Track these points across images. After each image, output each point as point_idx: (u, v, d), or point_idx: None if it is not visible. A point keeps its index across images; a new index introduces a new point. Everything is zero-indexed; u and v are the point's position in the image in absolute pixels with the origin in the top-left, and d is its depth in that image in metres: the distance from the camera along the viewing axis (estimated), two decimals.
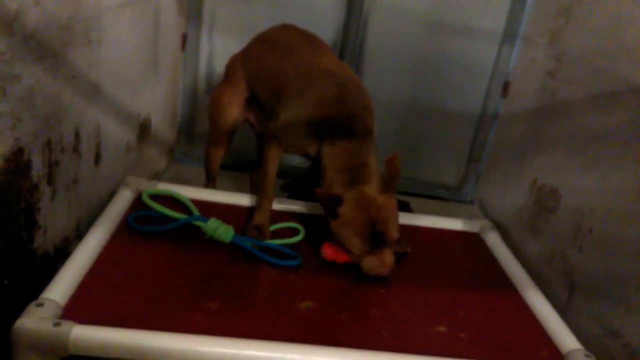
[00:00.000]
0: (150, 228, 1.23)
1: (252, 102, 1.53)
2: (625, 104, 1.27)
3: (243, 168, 1.98)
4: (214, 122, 1.56)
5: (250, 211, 1.40)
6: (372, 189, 1.19)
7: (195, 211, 1.33)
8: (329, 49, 1.49)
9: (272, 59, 1.44)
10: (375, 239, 1.17)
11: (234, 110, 1.53)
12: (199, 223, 1.25)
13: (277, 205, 1.47)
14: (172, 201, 1.38)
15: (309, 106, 1.29)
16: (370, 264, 1.18)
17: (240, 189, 1.49)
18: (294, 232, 1.36)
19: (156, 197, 1.38)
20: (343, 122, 1.26)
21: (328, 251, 1.25)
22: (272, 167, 1.35)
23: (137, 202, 1.34)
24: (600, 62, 1.40)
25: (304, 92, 1.31)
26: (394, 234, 1.19)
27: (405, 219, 1.54)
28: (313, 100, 1.29)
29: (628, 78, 1.28)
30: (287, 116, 1.31)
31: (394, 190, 1.21)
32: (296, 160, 1.71)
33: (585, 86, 1.46)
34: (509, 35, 1.97)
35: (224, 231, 1.23)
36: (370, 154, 1.25)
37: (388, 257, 1.19)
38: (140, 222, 1.24)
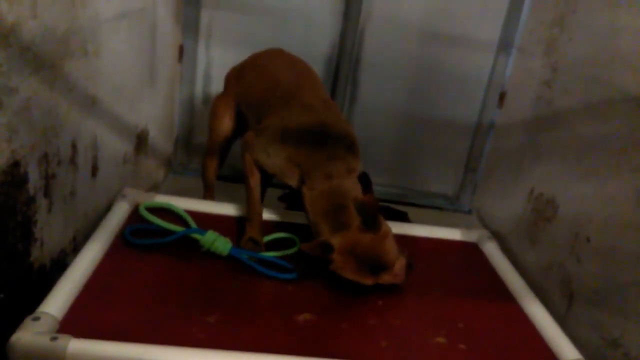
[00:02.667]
0: (148, 241, 1.22)
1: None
2: (621, 112, 1.28)
3: (241, 179, 1.97)
4: (210, 131, 1.58)
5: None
6: (355, 232, 1.15)
7: (193, 224, 1.32)
8: (317, 82, 1.48)
9: (258, 87, 1.45)
10: (376, 269, 1.17)
11: (227, 121, 1.54)
12: (196, 236, 1.25)
13: (273, 216, 1.47)
14: (169, 213, 1.37)
15: (288, 145, 1.28)
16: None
17: (238, 200, 1.48)
18: (289, 242, 1.36)
19: (153, 209, 1.37)
20: (322, 164, 1.24)
21: None
22: (254, 181, 1.34)
23: (134, 214, 1.33)
24: (596, 71, 1.41)
25: (283, 128, 1.30)
26: (391, 261, 1.19)
27: (403, 229, 1.54)
28: (293, 138, 1.28)
29: (623, 87, 1.28)
30: (266, 144, 1.30)
31: (379, 227, 1.17)
32: None
33: (581, 95, 1.46)
34: (504, 45, 1.98)
35: (221, 244, 1.23)
36: (351, 195, 1.20)
37: (396, 269, 1.20)
38: (138, 235, 1.23)
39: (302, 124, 1.30)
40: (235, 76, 1.55)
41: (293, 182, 1.28)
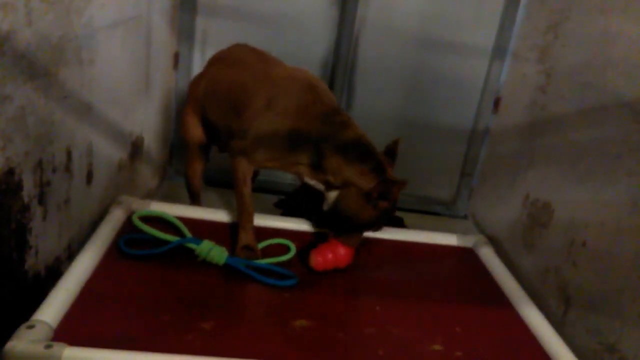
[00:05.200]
0: (142, 252, 1.21)
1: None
2: (616, 117, 1.28)
3: (230, 184, 1.98)
4: (184, 141, 1.59)
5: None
6: (390, 172, 1.26)
7: (187, 233, 1.32)
8: (279, 61, 1.48)
9: (226, 74, 1.45)
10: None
11: (197, 129, 1.55)
12: (191, 245, 1.24)
13: (269, 223, 1.47)
14: (163, 221, 1.37)
15: (289, 116, 1.27)
16: (352, 240, 1.30)
17: (228, 206, 1.48)
18: (284, 248, 1.35)
19: (147, 218, 1.36)
20: (334, 120, 1.27)
21: (319, 260, 1.27)
22: (247, 188, 1.33)
23: (129, 222, 1.33)
24: (590, 77, 1.42)
25: (275, 103, 1.29)
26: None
27: (399, 234, 1.54)
28: (292, 109, 1.28)
29: (617, 92, 1.29)
30: (262, 130, 1.28)
31: (392, 168, 1.29)
32: (289, 177, 1.72)
33: (576, 101, 1.47)
34: (499, 51, 1.99)
35: (217, 253, 1.22)
36: (369, 140, 1.28)
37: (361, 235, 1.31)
38: (132, 245, 1.23)
39: (292, 92, 1.30)
40: (197, 83, 1.55)
41: (304, 158, 1.28)
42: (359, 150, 1.25)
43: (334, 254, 1.28)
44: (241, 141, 1.31)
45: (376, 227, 1.29)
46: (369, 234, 1.32)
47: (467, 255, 1.52)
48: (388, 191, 1.22)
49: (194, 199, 1.65)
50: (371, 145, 1.27)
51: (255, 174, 1.62)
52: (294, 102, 1.28)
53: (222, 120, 1.44)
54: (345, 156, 1.23)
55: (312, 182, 1.31)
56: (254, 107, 1.31)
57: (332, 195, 1.27)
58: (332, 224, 1.31)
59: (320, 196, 1.33)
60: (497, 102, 2.04)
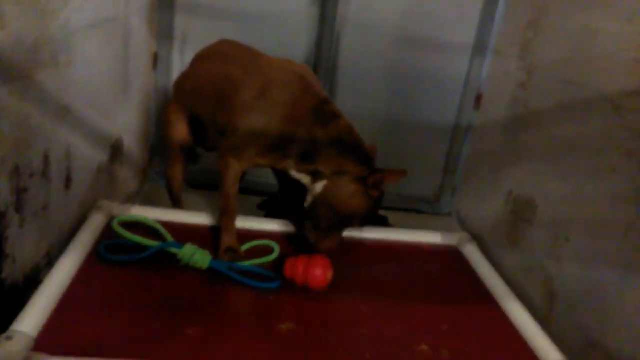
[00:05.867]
0: (123, 257, 1.19)
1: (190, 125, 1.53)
2: (597, 113, 1.29)
3: (213, 186, 1.96)
4: (166, 140, 1.56)
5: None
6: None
7: (169, 237, 1.30)
8: (264, 54, 1.46)
9: (212, 68, 1.43)
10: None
11: (181, 128, 1.52)
12: (174, 250, 1.22)
13: (253, 224, 1.46)
14: (144, 225, 1.34)
15: (280, 107, 1.26)
16: (329, 241, 1.28)
17: (211, 208, 1.46)
18: (268, 250, 1.34)
19: (127, 223, 1.34)
20: (324, 110, 1.28)
21: (287, 265, 1.24)
22: (234, 189, 1.32)
23: (110, 227, 1.30)
24: (571, 73, 1.42)
25: (265, 94, 1.27)
26: None
27: (383, 233, 1.54)
28: (283, 101, 1.26)
29: (598, 88, 1.29)
30: (252, 123, 1.26)
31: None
32: (273, 177, 1.70)
33: (557, 97, 1.48)
34: (479, 48, 1.99)
35: (200, 257, 1.21)
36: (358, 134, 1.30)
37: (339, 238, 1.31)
38: (113, 250, 1.20)
39: (283, 82, 1.30)
40: (182, 81, 1.53)
41: (294, 148, 1.27)
42: (348, 141, 1.27)
43: (305, 269, 1.21)
44: (231, 138, 1.29)
45: (362, 220, 1.29)
46: (350, 234, 1.32)
47: (451, 253, 1.52)
48: (381, 180, 1.24)
49: (175, 201, 1.63)
50: (359, 137, 1.29)
51: (243, 175, 1.60)
52: (286, 92, 1.27)
53: (209, 115, 1.41)
54: (337, 146, 1.26)
55: (298, 175, 1.30)
56: (243, 97, 1.28)
57: (319, 185, 1.26)
58: (314, 218, 1.28)
59: (303, 196, 1.32)
60: (478, 99, 2.04)
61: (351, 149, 1.26)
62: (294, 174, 1.31)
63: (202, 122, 1.46)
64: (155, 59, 1.95)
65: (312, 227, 1.29)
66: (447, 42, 2.01)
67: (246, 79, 1.30)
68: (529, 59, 1.66)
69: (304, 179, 1.30)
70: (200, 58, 1.52)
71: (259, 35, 1.93)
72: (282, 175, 1.45)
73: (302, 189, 1.33)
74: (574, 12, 1.45)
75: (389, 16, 1.97)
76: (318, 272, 1.21)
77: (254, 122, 1.26)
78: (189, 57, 1.95)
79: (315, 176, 1.28)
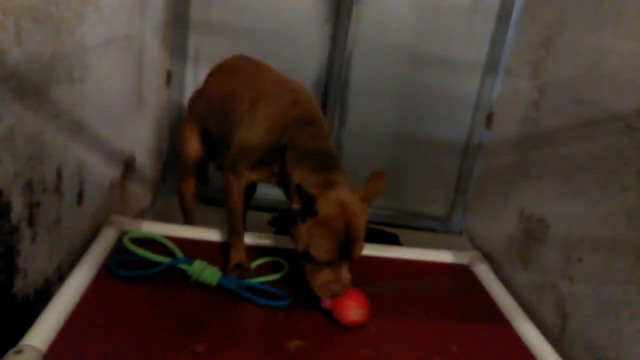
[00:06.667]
0: (134, 273, 1.19)
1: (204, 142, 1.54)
2: (609, 132, 1.28)
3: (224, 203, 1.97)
4: (181, 155, 1.58)
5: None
6: (346, 192, 1.11)
7: (179, 253, 1.30)
8: (274, 70, 1.45)
9: (219, 84, 1.44)
10: (344, 248, 1.08)
11: (194, 144, 1.53)
12: (184, 266, 1.22)
13: (263, 241, 1.46)
14: (155, 241, 1.35)
15: (265, 119, 1.24)
16: (326, 278, 1.10)
17: (222, 225, 1.46)
18: (277, 267, 1.34)
19: (138, 239, 1.34)
20: (304, 127, 1.20)
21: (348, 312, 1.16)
22: (239, 205, 1.30)
23: (121, 243, 1.31)
24: (583, 92, 1.42)
25: (255, 106, 1.26)
26: (361, 249, 1.11)
27: (394, 252, 1.53)
28: (268, 113, 1.24)
29: (610, 107, 1.29)
30: (242, 136, 1.25)
31: (369, 203, 1.15)
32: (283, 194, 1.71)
33: (569, 116, 1.47)
34: (491, 67, 2.00)
35: (210, 274, 1.21)
36: (337, 157, 1.18)
37: (345, 272, 1.11)
38: (124, 266, 1.21)
39: (273, 95, 1.27)
40: (196, 98, 1.55)
41: (277, 166, 1.22)
42: (314, 163, 1.14)
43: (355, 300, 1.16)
44: (228, 154, 1.29)
45: (318, 254, 1.08)
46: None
47: (462, 272, 1.51)
48: (310, 203, 1.06)
49: (187, 217, 1.64)
50: (333, 161, 1.16)
51: (252, 192, 1.60)
52: (273, 104, 1.25)
53: (217, 130, 1.42)
54: (299, 169, 1.15)
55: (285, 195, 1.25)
56: (238, 112, 1.29)
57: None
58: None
59: None
60: (489, 117, 2.04)
61: (311, 172, 1.14)
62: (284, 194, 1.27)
63: (212, 139, 1.47)
64: (169, 76, 1.97)
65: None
66: (459, 61, 2.02)
67: (244, 93, 1.31)
68: (540, 78, 1.66)
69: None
70: (212, 74, 1.54)
71: (271, 54, 1.94)
72: None
73: None
74: (586, 32, 1.45)
75: (401, 35, 1.98)
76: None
77: (242, 135, 1.25)
78: (202, 75, 1.97)
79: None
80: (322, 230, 1.07)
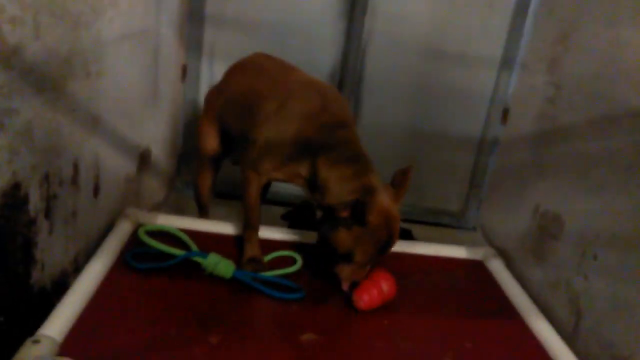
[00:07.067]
0: (149, 265, 1.21)
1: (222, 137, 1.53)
2: (626, 128, 1.27)
3: (239, 196, 1.98)
4: (198, 150, 1.57)
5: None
6: (386, 197, 1.16)
7: (194, 246, 1.31)
8: (300, 69, 1.44)
9: (242, 81, 1.43)
10: (382, 250, 1.16)
11: (211, 139, 1.53)
12: (198, 259, 1.23)
13: (276, 235, 1.46)
14: (170, 235, 1.36)
15: (295, 120, 1.23)
16: (355, 273, 1.19)
17: (236, 218, 1.47)
18: (291, 261, 1.34)
19: (153, 232, 1.35)
20: (335, 131, 1.22)
21: (365, 297, 1.19)
22: (256, 200, 1.31)
23: (136, 236, 1.32)
24: (600, 88, 1.40)
25: (284, 106, 1.25)
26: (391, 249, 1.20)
27: (408, 247, 1.53)
28: (298, 114, 1.24)
29: (628, 102, 1.27)
30: (269, 135, 1.25)
31: (400, 202, 1.20)
32: (296, 189, 1.71)
33: (586, 111, 1.46)
34: (507, 62, 1.98)
35: (224, 267, 1.21)
36: (369, 160, 1.21)
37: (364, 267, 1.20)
38: (139, 259, 1.22)
39: (302, 97, 1.27)
40: (215, 94, 1.54)
41: (304, 169, 1.23)
42: (349, 169, 1.18)
43: (379, 291, 1.20)
44: (250, 151, 1.28)
45: (359, 255, 1.15)
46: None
47: (476, 268, 1.50)
48: (361, 213, 1.10)
49: (203, 211, 1.65)
50: (367, 165, 1.20)
51: (267, 187, 1.61)
52: (302, 106, 1.25)
53: (237, 128, 1.41)
54: (334, 173, 1.18)
55: (310, 198, 1.27)
56: (264, 111, 1.27)
57: (319, 214, 1.22)
58: (324, 252, 1.22)
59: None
60: (505, 113, 2.02)
61: (348, 178, 1.17)
62: (309, 199, 1.28)
63: (231, 135, 1.47)
64: (184, 71, 1.99)
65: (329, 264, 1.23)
66: (475, 57, 2.00)
67: (271, 93, 1.30)
68: (557, 73, 1.65)
69: (317, 210, 1.25)
70: (233, 71, 1.53)
71: (286, 49, 1.95)
72: None
73: None
74: (604, 27, 1.44)
75: (416, 30, 1.97)
76: (386, 286, 1.22)
77: (269, 134, 1.25)
78: (217, 70, 1.99)
79: (319, 207, 1.22)
80: (369, 237, 1.14)
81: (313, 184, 1.23)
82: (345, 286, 1.20)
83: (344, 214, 1.13)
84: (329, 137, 1.21)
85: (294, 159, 1.24)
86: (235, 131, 1.43)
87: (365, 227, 1.12)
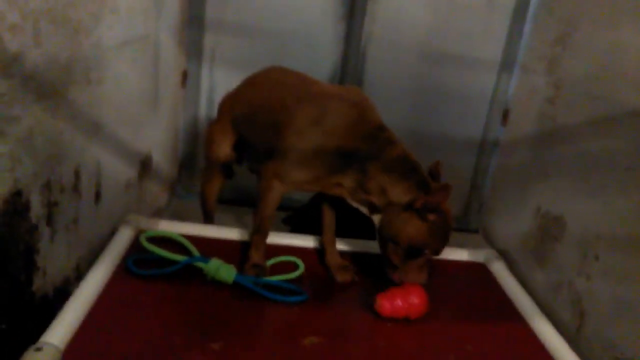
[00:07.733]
0: (151, 272, 1.21)
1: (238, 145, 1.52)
2: (627, 129, 1.27)
3: (244, 202, 1.97)
4: (207, 158, 1.56)
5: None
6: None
7: (196, 252, 1.31)
8: (320, 81, 1.44)
9: (264, 95, 1.42)
10: (443, 242, 1.24)
11: (224, 147, 1.51)
12: (200, 264, 1.23)
13: (278, 239, 1.46)
14: (171, 240, 1.36)
15: (335, 135, 1.24)
16: (414, 274, 1.24)
17: (240, 224, 1.47)
18: (293, 266, 1.34)
19: (154, 238, 1.35)
20: (377, 135, 1.24)
21: (386, 305, 1.19)
22: (272, 211, 1.31)
23: (138, 242, 1.32)
24: (600, 88, 1.40)
25: (320, 120, 1.25)
26: None
27: None
28: (339, 127, 1.24)
29: (628, 103, 1.27)
30: (304, 148, 1.25)
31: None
32: (298, 193, 1.71)
33: (585, 112, 1.46)
34: (507, 64, 1.98)
35: (225, 271, 1.21)
36: (415, 158, 1.25)
37: (425, 266, 1.25)
38: (140, 265, 1.22)
39: (338, 110, 1.27)
40: (230, 103, 1.52)
41: (347, 180, 1.25)
42: (403, 168, 1.22)
43: (404, 301, 1.19)
44: (278, 162, 1.27)
45: (432, 246, 1.22)
46: (370, 250, 1.29)
47: (478, 270, 1.50)
48: (434, 202, 1.16)
49: (208, 217, 1.64)
50: (416, 162, 1.24)
51: None
52: (341, 120, 1.25)
53: (260, 141, 1.40)
54: (389, 175, 1.21)
55: (355, 204, 1.28)
56: (296, 126, 1.27)
57: (376, 219, 1.24)
58: (383, 255, 1.25)
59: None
60: (505, 115, 2.03)
61: (403, 176, 1.21)
62: (351, 203, 1.29)
63: (251, 146, 1.47)
64: (184, 76, 1.99)
65: (388, 264, 1.26)
66: (475, 58, 2.01)
67: (298, 107, 1.29)
68: (557, 74, 1.65)
69: (362, 209, 1.28)
70: (252, 84, 1.51)
71: (286, 53, 1.96)
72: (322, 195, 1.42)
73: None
74: (603, 27, 1.44)
75: (416, 32, 1.98)
76: (417, 300, 1.20)
77: (304, 150, 1.25)
78: (218, 75, 2.00)
79: (372, 208, 1.25)
80: (438, 228, 1.20)
81: (359, 190, 1.25)
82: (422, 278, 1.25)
83: (418, 204, 1.17)
84: (373, 144, 1.23)
85: (338, 171, 1.25)
86: (258, 144, 1.42)
87: (439, 216, 1.19)
